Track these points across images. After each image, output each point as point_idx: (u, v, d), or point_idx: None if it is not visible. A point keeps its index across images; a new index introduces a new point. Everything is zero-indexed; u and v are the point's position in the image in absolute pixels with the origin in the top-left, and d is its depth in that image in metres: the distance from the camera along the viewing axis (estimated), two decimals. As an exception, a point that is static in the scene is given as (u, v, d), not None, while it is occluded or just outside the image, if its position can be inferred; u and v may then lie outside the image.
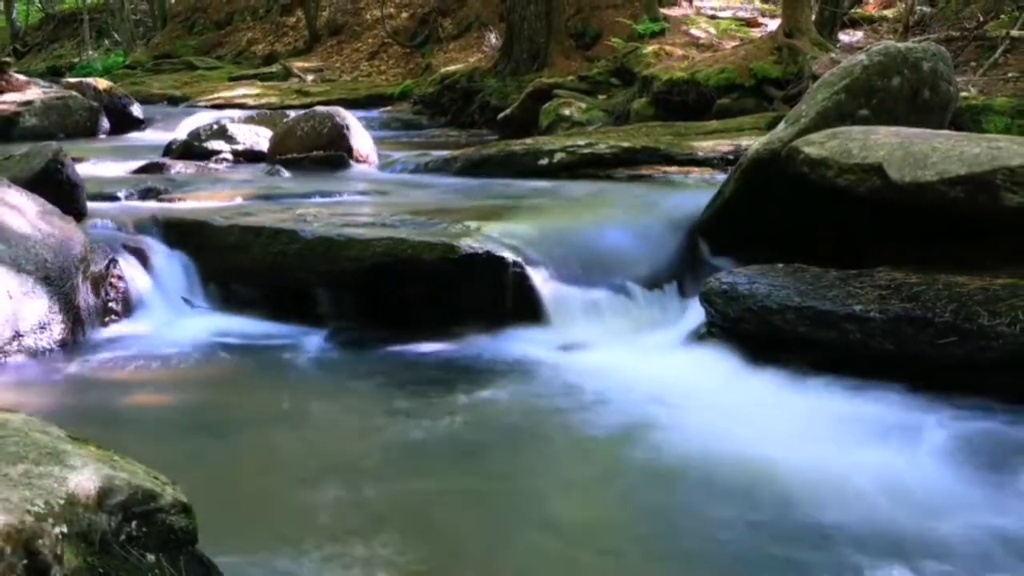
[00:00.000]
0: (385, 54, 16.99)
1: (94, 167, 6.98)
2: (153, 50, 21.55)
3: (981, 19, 8.24)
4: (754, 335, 3.46)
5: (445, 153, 7.27)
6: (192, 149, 7.59)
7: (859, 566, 2.17)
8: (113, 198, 5.43)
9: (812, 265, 3.60)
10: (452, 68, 13.85)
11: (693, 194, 5.01)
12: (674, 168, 6.29)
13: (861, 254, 3.68)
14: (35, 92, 10.93)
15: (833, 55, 8.40)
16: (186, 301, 4.23)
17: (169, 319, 4.13)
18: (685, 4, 13.55)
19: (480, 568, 2.22)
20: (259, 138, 7.74)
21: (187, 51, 20.65)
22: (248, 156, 7.50)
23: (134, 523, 1.74)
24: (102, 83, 11.94)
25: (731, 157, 6.08)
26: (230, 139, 7.71)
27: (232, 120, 8.49)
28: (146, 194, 5.53)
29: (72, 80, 12.74)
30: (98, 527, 1.65)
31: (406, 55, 16.44)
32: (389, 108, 13.54)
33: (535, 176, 6.25)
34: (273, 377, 3.59)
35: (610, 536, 2.39)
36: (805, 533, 2.30)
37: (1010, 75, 7.21)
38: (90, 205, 4.90)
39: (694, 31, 11.73)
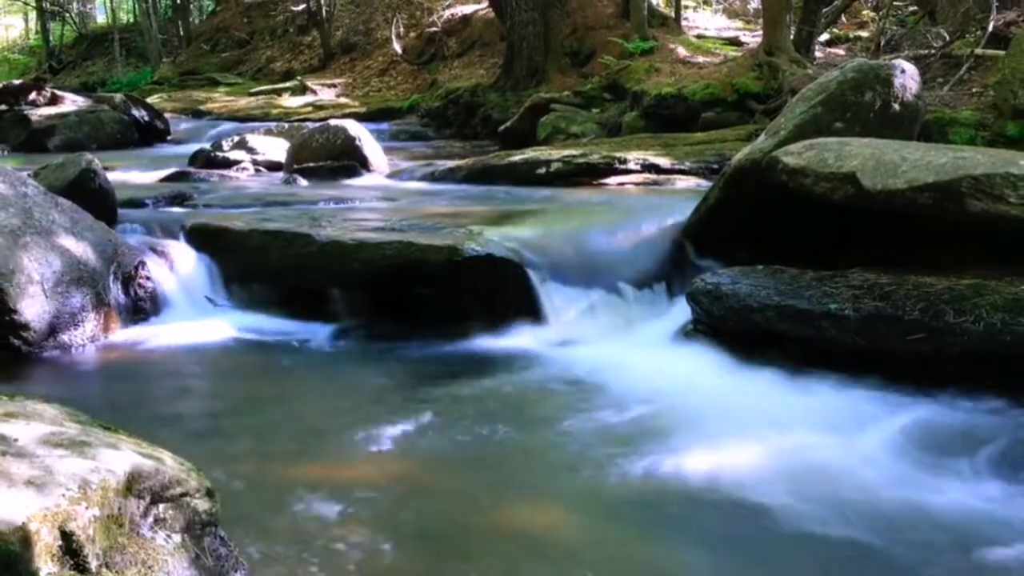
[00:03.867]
0: (394, 71, 16.96)
1: (124, 175, 6.97)
2: (179, 67, 21.52)
3: (948, 38, 8.23)
4: (737, 332, 3.45)
5: (450, 163, 7.28)
6: (215, 159, 7.60)
7: (826, 546, 2.17)
8: (142, 204, 5.43)
9: (791, 267, 3.59)
10: (457, 84, 13.84)
11: (680, 200, 5.01)
12: (663, 177, 6.30)
13: (836, 256, 3.68)
14: (70, 106, 10.93)
15: (810, 72, 8.39)
16: (210, 300, 4.23)
17: (194, 317, 4.13)
18: (673, 24, 13.54)
19: (483, 548, 2.22)
20: (277, 149, 7.74)
21: (210, 68, 20.61)
22: (267, 166, 7.50)
23: (161, 506, 1.74)
24: (131, 97, 11.93)
25: (716, 167, 6.08)
26: (250, 150, 7.71)
27: (252, 132, 8.50)
28: (172, 201, 5.53)
29: (103, 95, 12.74)
30: (127, 510, 1.65)
31: (414, 72, 16.41)
32: (398, 121, 13.52)
33: (534, 184, 6.26)
34: (291, 370, 3.59)
35: (601, 512, 2.39)
36: (774, 512, 2.31)
37: (975, 90, 7.20)
38: (120, 211, 4.90)
39: (681, 50, 11.71)
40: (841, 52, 10.95)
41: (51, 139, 10.04)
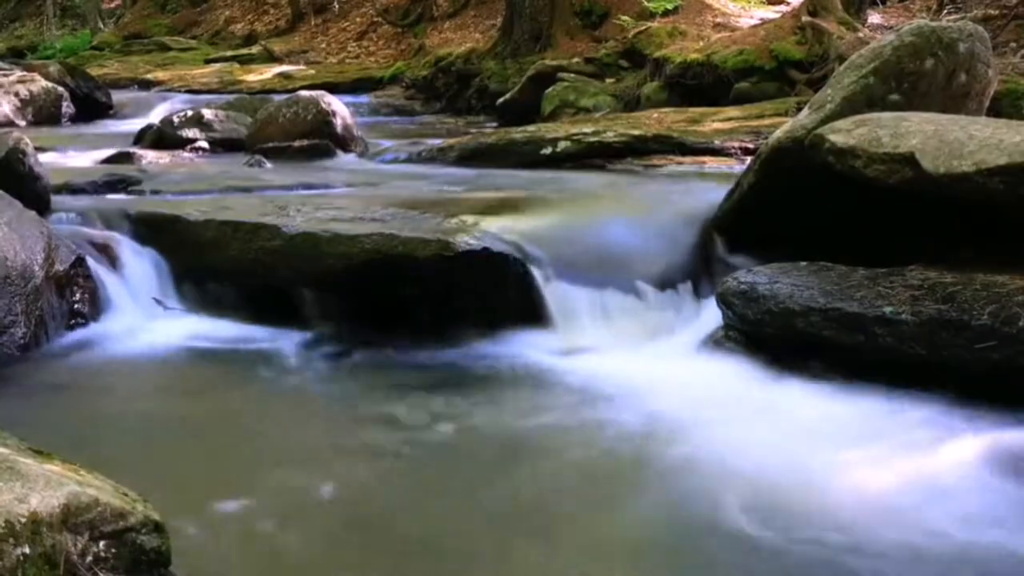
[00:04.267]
0: (374, 34, 16.97)
1: (59, 157, 6.97)
2: (122, 30, 21.53)
3: (1022, -4, 8.24)
4: (775, 339, 3.45)
5: (440, 141, 7.28)
6: (165, 137, 7.60)
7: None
8: (80, 191, 5.43)
9: (838, 263, 3.60)
10: (447, 50, 13.84)
11: (709, 186, 5.01)
12: (689, 158, 6.31)
13: (891, 251, 3.68)
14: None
15: (861, 35, 8.40)
16: (158, 302, 4.23)
17: (140, 322, 4.13)
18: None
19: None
20: (237, 126, 7.74)
21: (160, 31, 20.62)
22: (226, 145, 7.50)
23: (102, 543, 1.74)
24: (67, 66, 11.92)
25: (750, 146, 6.09)
26: (206, 127, 7.71)
27: (208, 106, 8.50)
28: (115, 186, 5.53)
29: (35, 62, 12.74)
30: (63, 548, 1.65)
31: (397, 35, 16.42)
32: (379, 93, 13.54)
33: (537, 166, 6.26)
34: (252, 385, 3.59)
35: (608, 557, 2.39)
36: (829, 554, 2.30)
37: (1053, 57, 7.21)
38: (55, 198, 4.90)
39: (711, 9, 11.72)
40: (897, 12, 10.95)
41: (-27, 114, 10.03)
